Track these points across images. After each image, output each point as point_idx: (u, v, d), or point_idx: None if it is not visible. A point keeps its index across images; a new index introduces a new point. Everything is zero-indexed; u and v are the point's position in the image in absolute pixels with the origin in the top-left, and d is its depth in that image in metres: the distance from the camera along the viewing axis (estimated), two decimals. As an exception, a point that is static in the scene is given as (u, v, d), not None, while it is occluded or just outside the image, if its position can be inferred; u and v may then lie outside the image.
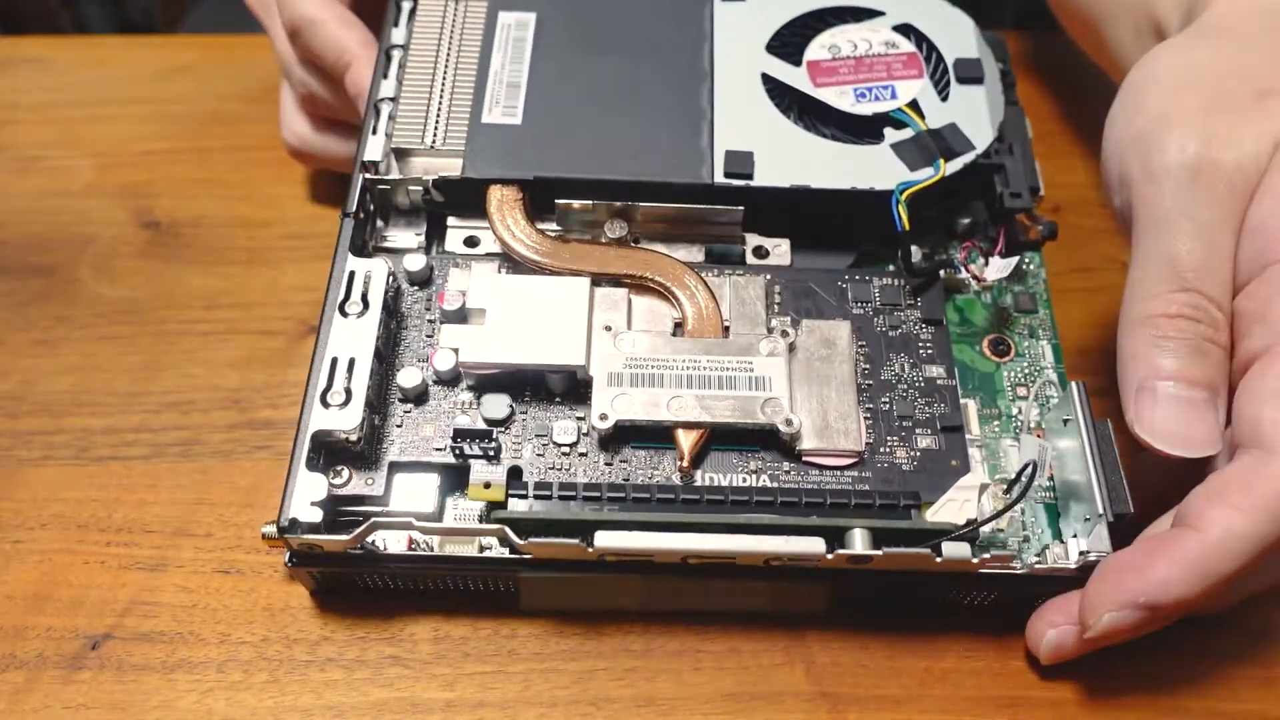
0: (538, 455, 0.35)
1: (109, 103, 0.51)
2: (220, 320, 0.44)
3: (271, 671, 0.35)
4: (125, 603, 0.36)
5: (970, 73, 0.41)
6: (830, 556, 0.32)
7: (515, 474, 0.35)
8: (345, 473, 0.35)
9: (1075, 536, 0.34)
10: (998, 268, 0.38)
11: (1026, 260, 0.41)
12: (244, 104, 0.48)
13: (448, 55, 0.42)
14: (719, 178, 0.39)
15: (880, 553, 0.32)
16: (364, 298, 0.36)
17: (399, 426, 0.36)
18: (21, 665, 0.35)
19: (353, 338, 0.35)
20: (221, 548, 0.38)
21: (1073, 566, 0.33)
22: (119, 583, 0.37)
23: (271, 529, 0.34)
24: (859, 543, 0.32)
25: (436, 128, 0.40)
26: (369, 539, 0.33)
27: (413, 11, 0.43)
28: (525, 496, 0.34)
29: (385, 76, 0.41)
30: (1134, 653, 0.34)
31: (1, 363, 0.42)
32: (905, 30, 0.43)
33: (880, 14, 0.43)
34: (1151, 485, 0.34)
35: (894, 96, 0.41)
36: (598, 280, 0.38)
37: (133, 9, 0.83)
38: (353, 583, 0.35)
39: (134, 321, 0.44)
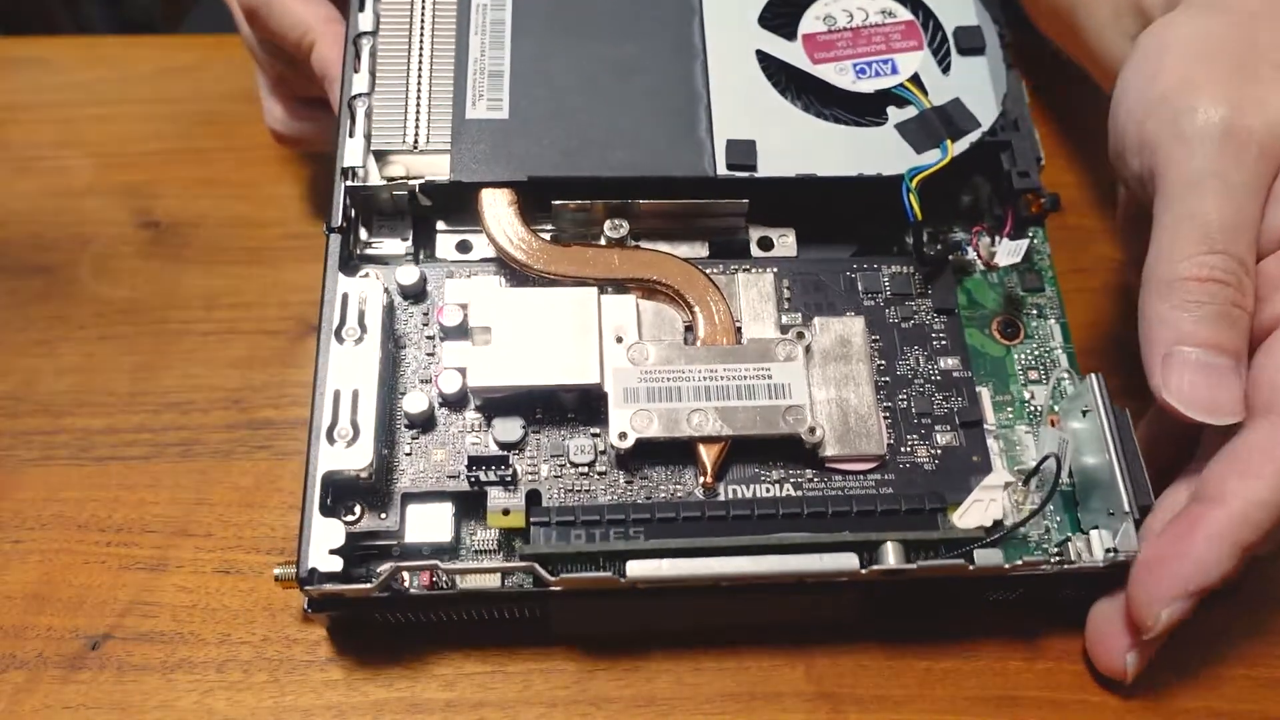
0: (555, 477, 0.34)
1: (109, 103, 0.51)
2: (220, 320, 0.43)
3: (271, 671, 0.35)
4: (125, 603, 0.36)
5: (971, 42, 0.40)
6: (865, 572, 0.32)
7: (534, 498, 0.34)
8: (357, 509, 0.33)
9: (1097, 529, 0.34)
10: (1008, 251, 0.37)
11: (1031, 234, 0.40)
12: (244, 104, 0.47)
13: (421, 41, 0.39)
14: (721, 170, 0.37)
15: (915, 566, 0.32)
16: (360, 322, 0.34)
17: (408, 455, 0.34)
18: (21, 665, 0.35)
19: (353, 366, 0.34)
20: (221, 548, 0.37)
21: (1100, 565, 0.33)
22: (119, 583, 0.36)
23: (284, 571, 0.33)
24: (892, 556, 0.32)
25: (418, 125, 0.38)
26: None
27: (377, -9, 0.40)
28: (548, 524, 0.33)
29: (356, 70, 0.38)
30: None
31: (1, 363, 0.42)
32: (901, -4, 0.41)
33: (874, -22, 0.41)
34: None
35: (894, 71, 0.39)
36: (603, 286, 0.36)
37: (133, 9, 0.82)
38: (373, 620, 0.34)
39: (134, 321, 0.43)
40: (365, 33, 0.39)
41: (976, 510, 0.34)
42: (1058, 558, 0.34)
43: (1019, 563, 0.32)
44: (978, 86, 0.39)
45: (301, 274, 0.44)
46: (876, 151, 0.38)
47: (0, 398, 0.41)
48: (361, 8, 0.40)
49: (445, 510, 0.34)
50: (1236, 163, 0.32)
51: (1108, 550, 0.33)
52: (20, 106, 0.50)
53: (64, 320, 0.43)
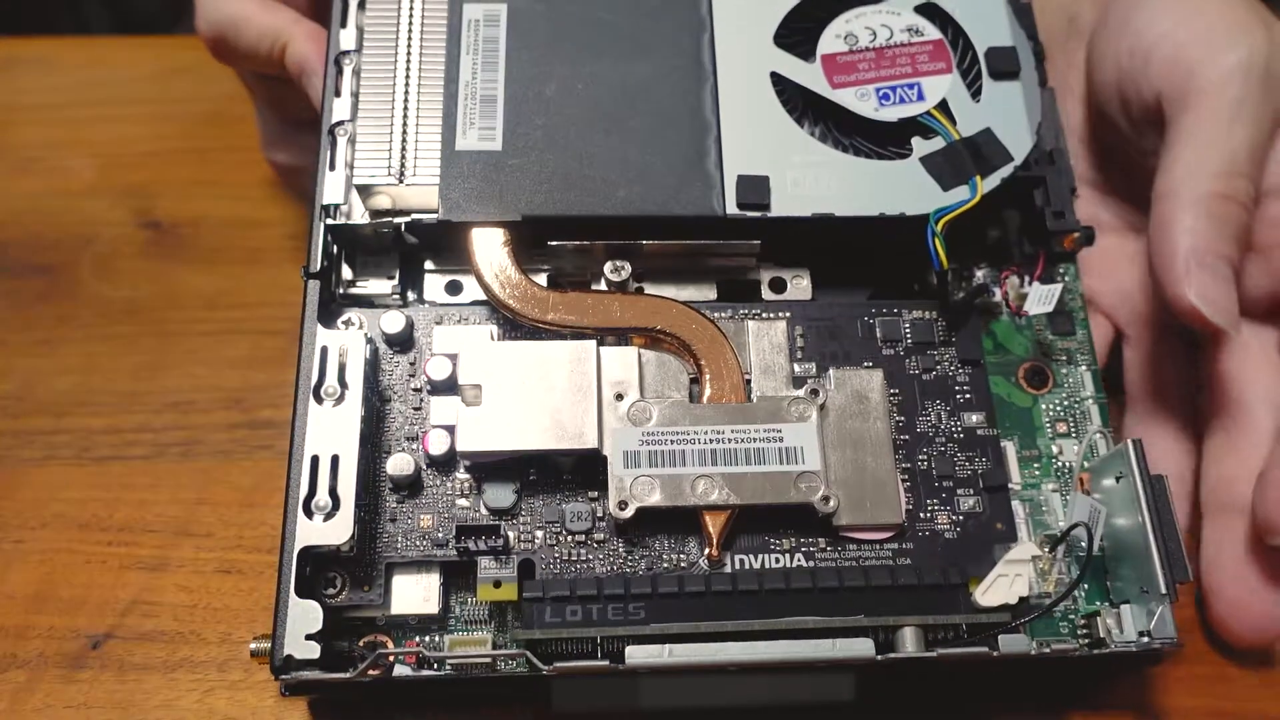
0: (550, 545, 0.32)
1: (109, 103, 0.50)
2: (221, 320, 0.43)
3: None
4: (126, 602, 0.36)
5: (1005, 65, 0.37)
6: (880, 659, 0.30)
7: (527, 569, 0.32)
8: (338, 582, 0.31)
9: (1128, 603, 0.32)
10: (1039, 298, 0.35)
11: (1062, 272, 0.38)
12: (244, 104, 0.46)
13: (408, 61, 0.36)
14: (731, 209, 0.34)
15: (935, 654, 0.29)
16: (341, 378, 0.32)
17: (392, 521, 0.32)
18: (23, 665, 0.34)
19: (333, 429, 0.31)
20: (222, 547, 0.37)
21: (1134, 650, 0.31)
22: (120, 582, 0.36)
23: (259, 646, 0.31)
24: (910, 642, 0.30)
25: (404, 155, 0.35)
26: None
27: (362, 3, 0.37)
28: (541, 599, 0.31)
29: (338, 94, 0.35)
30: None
31: (2, 363, 0.42)
32: (929, 11, 0.38)
33: (900, -10, 0.38)
34: None
35: (921, 97, 0.36)
36: (602, 336, 0.34)
37: (133, 9, 0.81)
38: (354, 709, 0.32)
39: (135, 321, 0.43)
40: (347, 51, 0.36)
41: (1001, 586, 0.31)
42: (1085, 637, 0.32)
43: (1047, 650, 0.30)
44: (1011, 114, 0.36)
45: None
46: (899, 188, 0.35)
47: (1, 398, 0.41)
48: (344, 23, 0.37)
49: (433, 581, 0.32)
50: (1271, 99, 0.35)
51: (1141, 633, 0.31)
52: (20, 106, 0.50)
53: (65, 320, 0.43)
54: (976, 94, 0.36)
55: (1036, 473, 0.35)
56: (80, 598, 0.36)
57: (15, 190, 0.47)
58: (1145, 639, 0.31)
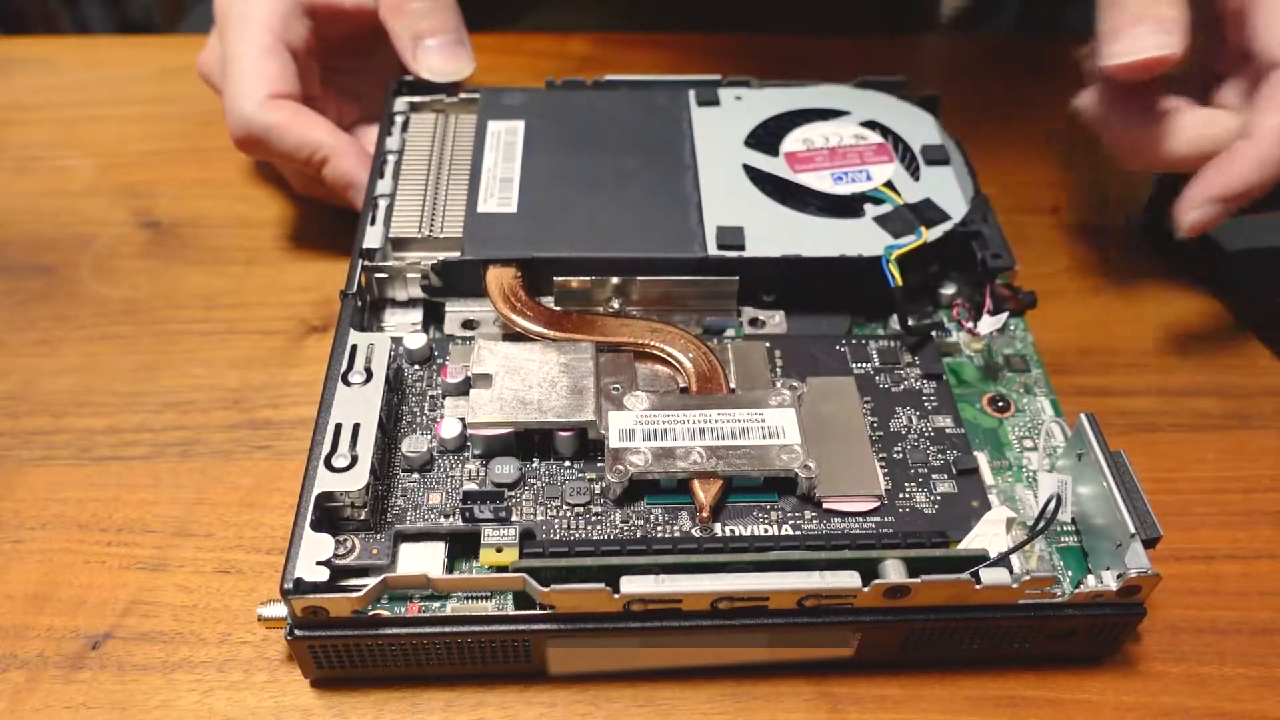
0: (551, 517, 0.34)
1: (109, 103, 0.51)
2: (220, 320, 0.44)
3: (272, 671, 0.34)
4: (126, 602, 0.36)
5: (937, 156, 0.44)
6: (867, 590, 0.31)
7: (528, 536, 0.33)
8: (349, 543, 0.33)
9: (1108, 569, 0.33)
10: (989, 323, 0.39)
11: (1012, 325, 0.42)
12: None
13: (441, 157, 0.44)
14: (712, 250, 0.40)
15: (919, 580, 0.31)
16: (367, 368, 0.36)
17: (403, 497, 0.34)
18: (22, 665, 0.34)
19: (357, 405, 0.34)
20: (222, 547, 0.37)
21: (1114, 589, 0.32)
22: (119, 582, 0.36)
23: (268, 610, 0.32)
24: (893, 573, 0.31)
25: (433, 218, 0.41)
26: (379, 599, 0.31)
27: (405, 124, 0.45)
28: (541, 555, 0.32)
29: (381, 176, 0.42)
30: (1133, 653, 0.35)
31: (2, 363, 0.42)
32: (871, 125, 0.46)
33: (846, 113, 0.46)
34: None
35: (869, 179, 0.43)
36: (601, 349, 0.38)
37: (133, 9, 0.83)
38: (357, 661, 0.32)
39: (134, 321, 0.43)
40: (392, 151, 0.44)
41: (979, 543, 0.33)
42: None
43: (1026, 579, 0.31)
44: (947, 189, 0.43)
45: (301, 274, 0.44)
46: (857, 236, 0.40)
47: (0, 398, 0.41)
48: (389, 133, 0.44)
49: (438, 550, 0.33)
50: None
51: (1119, 575, 0.32)
52: (20, 106, 0.51)
53: (64, 320, 0.43)
54: (916, 176, 0.43)
55: (1009, 478, 0.37)
56: (79, 598, 0.35)
57: (15, 190, 0.47)
58: (1122, 576, 0.32)
